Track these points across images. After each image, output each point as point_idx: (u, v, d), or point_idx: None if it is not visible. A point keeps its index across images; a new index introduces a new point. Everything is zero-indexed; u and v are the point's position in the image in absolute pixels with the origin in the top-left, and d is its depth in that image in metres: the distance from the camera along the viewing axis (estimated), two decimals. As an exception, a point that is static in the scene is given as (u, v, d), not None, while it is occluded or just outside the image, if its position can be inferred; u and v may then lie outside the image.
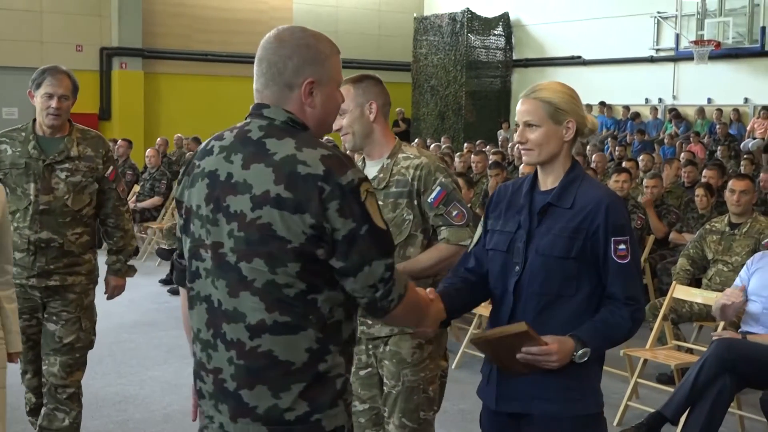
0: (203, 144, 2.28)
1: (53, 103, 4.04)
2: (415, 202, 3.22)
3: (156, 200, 11.37)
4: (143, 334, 7.34)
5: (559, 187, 2.67)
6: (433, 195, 3.20)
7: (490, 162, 10.53)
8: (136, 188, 11.49)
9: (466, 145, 15.61)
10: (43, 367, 4.17)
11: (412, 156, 3.26)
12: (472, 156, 11.16)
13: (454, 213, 3.20)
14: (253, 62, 2.21)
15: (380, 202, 3.21)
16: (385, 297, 2.14)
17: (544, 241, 2.63)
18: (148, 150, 11.98)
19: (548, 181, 2.71)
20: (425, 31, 22.65)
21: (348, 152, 3.39)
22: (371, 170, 3.28)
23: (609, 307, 2.63)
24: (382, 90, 3.28)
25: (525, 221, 2.68)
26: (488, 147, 14.59)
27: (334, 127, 3.26)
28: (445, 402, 3.70)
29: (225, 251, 2.14)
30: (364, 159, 3.36)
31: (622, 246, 2.61)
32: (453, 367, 6.27)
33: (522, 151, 2.72)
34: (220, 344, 2.17)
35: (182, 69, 20.49)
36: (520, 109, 2.71)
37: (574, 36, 20.74)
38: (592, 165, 10.80)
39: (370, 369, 3.31)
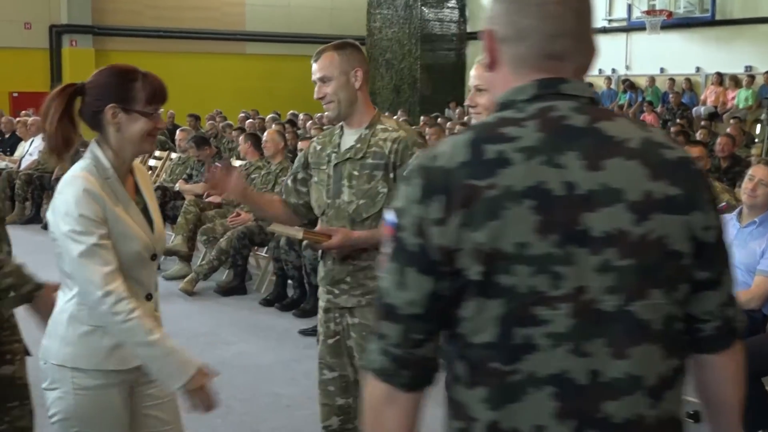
0: (469, 153, 1.48)
1: None
2: (391, 176, 3.19)
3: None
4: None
5: None
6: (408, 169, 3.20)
7: (448, 134, 10.56)
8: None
9: (422, 118, 15.61)
10: None
11: (390, 129, 3.23)
12: (426, 129, 11.18)
13: None
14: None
15: (356, 173, 3.20)
16: (736, 318, 1.63)
17: None
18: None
19: None
20: (378, 4, 22.56)
21: (328, 122, 3.39)
22: (349, 139, 3.25)
23: None
24: (364, 57, 3.24)
25: None
26: (449, 123, 14.60)
27: (316, 95, 3.21)
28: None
29: (593, 296, 1.47)
30: (342, 127, 3.30)
31: None
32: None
33: (473, 115, 2.76)
34: None
35: (133, 46, 20.17)
36: (471, 74, 2.76)
37: (527, 7, 20.79)
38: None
39: (338, 337, 3.33)
